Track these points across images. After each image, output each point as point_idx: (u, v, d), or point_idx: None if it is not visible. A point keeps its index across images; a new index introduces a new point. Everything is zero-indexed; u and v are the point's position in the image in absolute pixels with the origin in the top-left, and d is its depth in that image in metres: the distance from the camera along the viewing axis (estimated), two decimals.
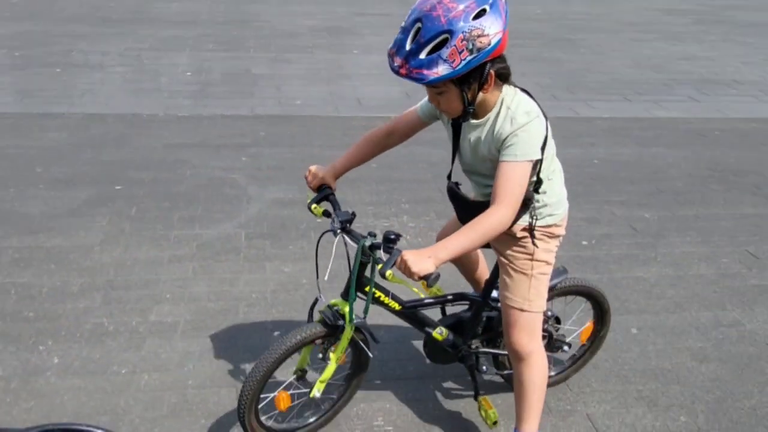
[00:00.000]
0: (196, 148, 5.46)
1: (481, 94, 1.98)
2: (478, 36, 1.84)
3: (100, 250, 3.84)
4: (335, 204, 2.30)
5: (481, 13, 1.85)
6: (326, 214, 2.30)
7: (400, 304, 2.37)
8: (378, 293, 2.30)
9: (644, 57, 9.57)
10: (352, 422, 2.65)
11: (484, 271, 2.69)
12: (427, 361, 2.72)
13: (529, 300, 2.27)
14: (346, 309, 2.24)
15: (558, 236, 2.32)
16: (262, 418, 2.40)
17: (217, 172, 5.00)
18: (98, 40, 9.11)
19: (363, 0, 13.26)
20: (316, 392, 2.35)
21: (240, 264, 3.77)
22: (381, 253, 2.06)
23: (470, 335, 2.59)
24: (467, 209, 2.23)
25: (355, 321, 2.26)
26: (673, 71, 8.78)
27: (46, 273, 3.59)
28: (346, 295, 2.26)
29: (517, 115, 2.00)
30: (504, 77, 2.02)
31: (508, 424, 2.61)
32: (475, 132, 2.10)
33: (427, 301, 2.48)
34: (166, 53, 8.55)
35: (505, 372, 2.74)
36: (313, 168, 2.38)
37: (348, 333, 2.28)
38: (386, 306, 2.35)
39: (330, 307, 2.29)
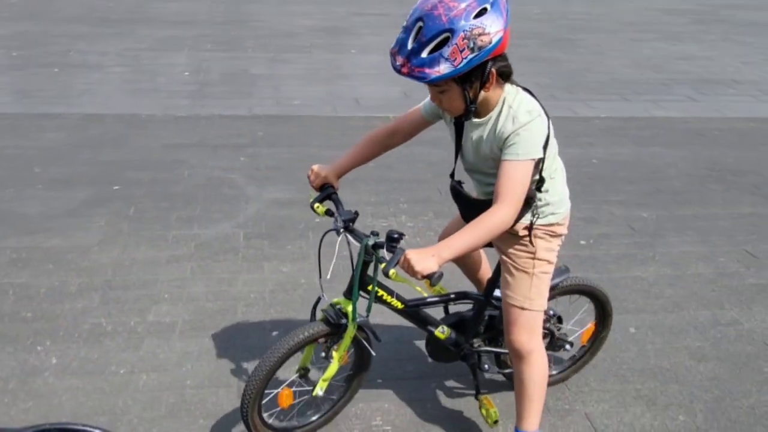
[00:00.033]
0: (194, 148, 5.45)
1: (482, 92, 1.99)
2: (479, 34, 1.85)
3: (98, 250, 3.83)
4: (338, 203, 2.30)
5: (482, 12, 1.86)
6: (329, 213, 2.29)
7: (402, 302, 2.37)
8: (381, 292, 2.30)
9: (643, 57, 9.58)
10: (350, 422, 2.65)
11: (486, 271, 2.68)
12: (428, 360, 2.72)
13: (530, 298, 2.27)
14: (349, 308, 2.24)
15: (560, 235, 2.32)
16: (264, 415, 2.41)
17: (215, 172, 4.99)
18: (96, 40, 9.11)
19: (361, 0, 13.26)
20: (319, 390, 2.36)
21: (238, 264, 3.76)
22: (384, 252, 2.06)
23: (472, 334, 2.59)
24: (471, 207, 2.23)
25: (357, 320, 2.26)
26: (672, 71, 8.79)
27: (44, 273, 3.58)
28: (348, 294, 2.26)
29: (519, 114, 2.00)
30: (506, 76, 2.02)
31: (509, 423, 2.60)
32: (477, 131, 2.10)
33: (429, 299, 2.48)
34: (164, 53, 8.54)
35: (507, 371, 2.74)
36: (315, 167, 2.38)
37: (351, 331, 2.28)
38: (389, 305, 2.34)
39: (333, 305, 2.29)
